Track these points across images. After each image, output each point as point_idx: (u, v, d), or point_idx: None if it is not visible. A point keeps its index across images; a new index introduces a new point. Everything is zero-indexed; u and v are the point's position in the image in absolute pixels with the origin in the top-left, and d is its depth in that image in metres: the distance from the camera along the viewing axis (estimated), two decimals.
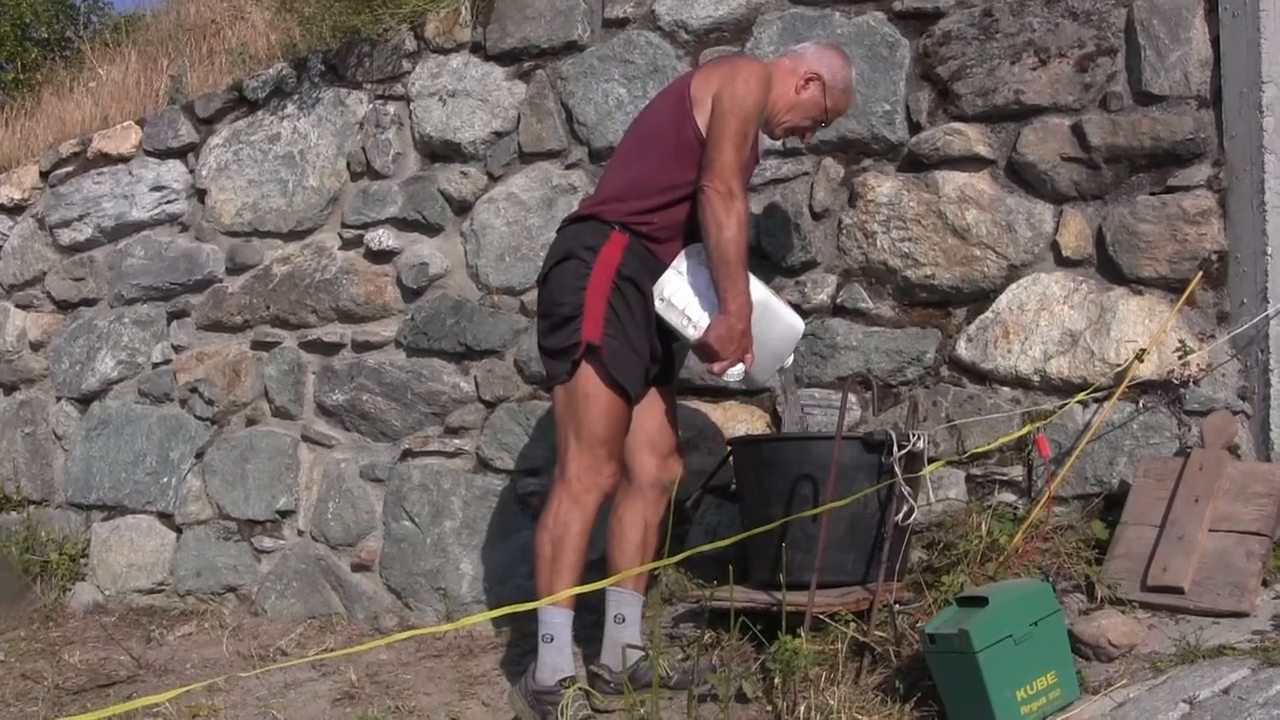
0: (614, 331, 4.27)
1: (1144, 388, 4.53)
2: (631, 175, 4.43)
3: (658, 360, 4.51)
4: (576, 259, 4.34)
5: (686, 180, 4.30)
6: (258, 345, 6.52)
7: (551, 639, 4.25)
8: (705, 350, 4.28)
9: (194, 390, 6.66)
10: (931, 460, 4.53)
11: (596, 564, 4.48)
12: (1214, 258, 4.47)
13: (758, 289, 4.36)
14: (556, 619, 4.26)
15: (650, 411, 4.52)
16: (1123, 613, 3.97)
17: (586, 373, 4.27)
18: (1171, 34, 4.52)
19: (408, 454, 6.01)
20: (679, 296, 4.33)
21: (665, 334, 4.48)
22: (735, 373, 4.32)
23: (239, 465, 6.47)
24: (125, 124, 7.17)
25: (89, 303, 7.22)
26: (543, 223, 5.65)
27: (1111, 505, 4.47)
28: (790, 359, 4.59)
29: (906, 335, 4.96)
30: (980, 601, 3.66)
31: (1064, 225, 4.72)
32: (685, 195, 4.33)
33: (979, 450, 4.68)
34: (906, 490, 4.26)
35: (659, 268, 4.38)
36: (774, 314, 4.42)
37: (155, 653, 5.92)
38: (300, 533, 6.31)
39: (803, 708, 3.92)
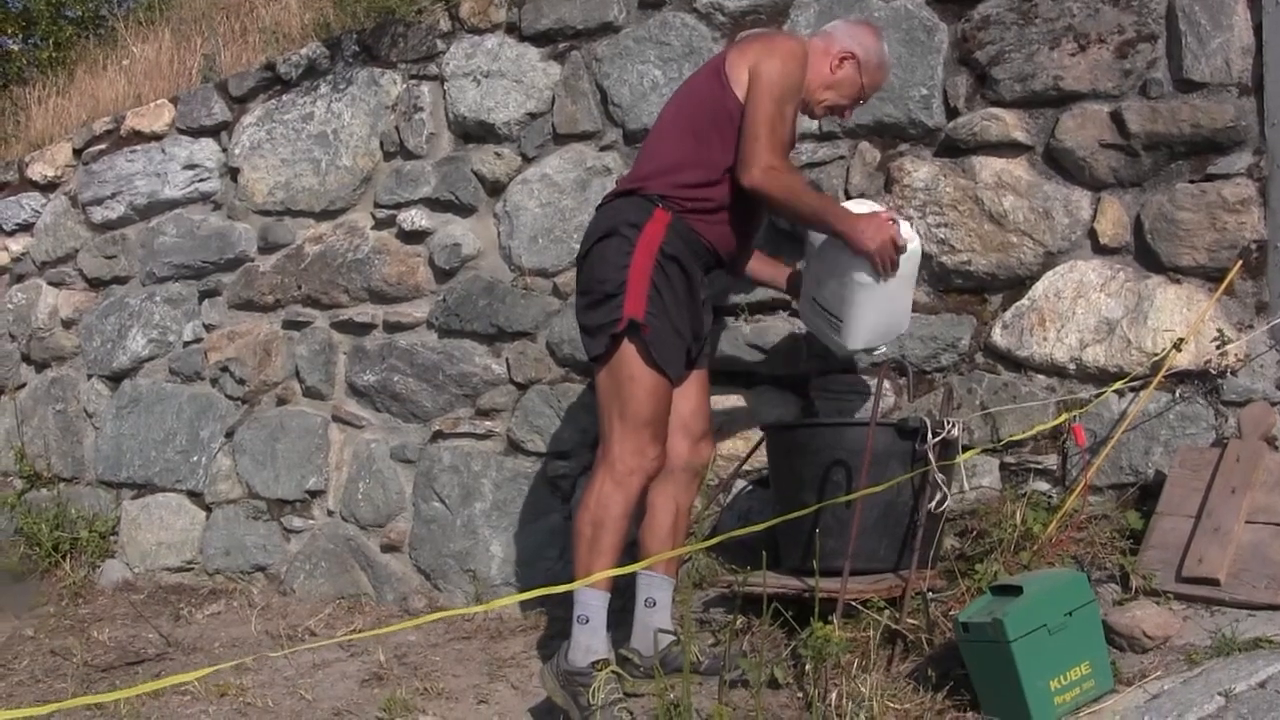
0: (656, 310, 4.24)
1: (1181, 377, 4.49)
2: (672, 149, 4.40)
3: (700, 340, 4.49)
4: (619, 236, 4.30)
5: (726, 152, 4.30)
6: (289, 325, 6.53)
7: (587, 620, 4.20)
8: (868, 258, 4.28)
9: (225, 369, 6.68)
10: (966, 448, 4.50)
11: (627, 548, 4.46)
12: (1253, 247, 4.42)
13: (912, 259, 4.41)
14: (593, 601, 4.21)
15: (685, 394, 4.49)
16: (1157, 604, 3.94)
17: (630, 353, 4.23)
18: (1213, 20, 4.47)
19: (438, 435, 6.01)
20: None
21: (706, 313, 4.50)
22: (910, 245, 4.37)
23: (269, 445, 6.48)
24: (158, 102, 7.20)
25: (121, 280, 7.26)
26: (576, 204, 5.64)
27: (1147, 495, 4.44)
28: (883, 349, 4.56)
29: (941, 321, 4.93)
30: (1014, 591, 3.64)
31: (1102, 212, 4.68)
32: (728, 168, 4.32)
33: (1014, 438, 4.65)
34: (940, 478, 4.23)
35: (702, 246, 4.37)
36: (905, 293, 4.47)
37: (184, 631, 5.94)
38: (330, 513, 6.32)
39: (834, 695, 3.90)
